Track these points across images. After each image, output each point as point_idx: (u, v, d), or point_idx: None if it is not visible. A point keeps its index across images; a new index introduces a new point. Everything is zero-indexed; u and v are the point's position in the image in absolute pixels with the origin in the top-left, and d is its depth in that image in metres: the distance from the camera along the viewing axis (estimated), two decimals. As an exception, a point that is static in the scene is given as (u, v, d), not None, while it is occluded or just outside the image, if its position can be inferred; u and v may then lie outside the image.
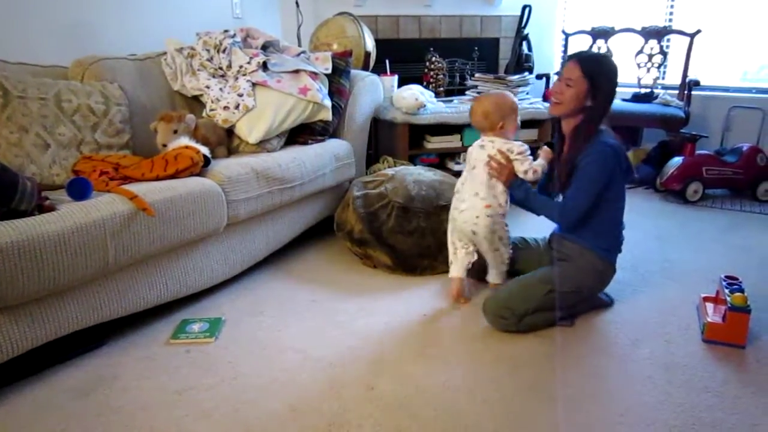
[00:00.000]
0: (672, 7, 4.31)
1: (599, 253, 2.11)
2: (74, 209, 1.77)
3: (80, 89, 2.28)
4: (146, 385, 1.77)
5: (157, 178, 2.09)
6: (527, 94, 3.75)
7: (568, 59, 2.08)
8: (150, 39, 2.91)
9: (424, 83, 3.80)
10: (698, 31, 3.94)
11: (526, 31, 4.25)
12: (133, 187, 1.95)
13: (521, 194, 2.18)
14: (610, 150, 2.00)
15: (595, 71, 2.00)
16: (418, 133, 3.50)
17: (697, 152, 3.65)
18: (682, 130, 3.78)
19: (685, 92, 3.93)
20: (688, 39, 3.97)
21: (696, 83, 3.92)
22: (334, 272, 2.60)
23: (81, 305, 1.82)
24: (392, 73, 3.71)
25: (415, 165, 3.13)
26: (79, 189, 1.88)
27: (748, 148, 3.65)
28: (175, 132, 2.35)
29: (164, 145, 2.32)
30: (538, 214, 2.23)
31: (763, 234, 3.03)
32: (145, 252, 1.93)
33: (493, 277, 2.32)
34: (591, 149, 2.01)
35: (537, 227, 2.48)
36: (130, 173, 2.11)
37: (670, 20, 4.32)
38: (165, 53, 2.75)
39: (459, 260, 2.27)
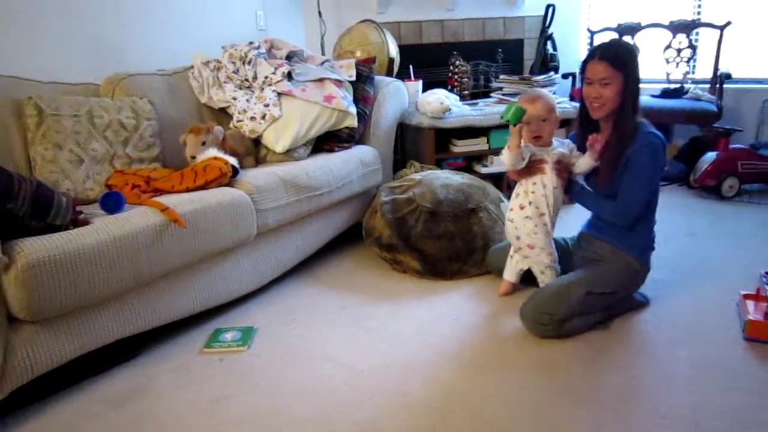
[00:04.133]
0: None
1: (633, 253, 2.08)
2: (108, 222, 1.81)
3: (111, 105, 2.33)
4: (181, 395, 1.79)
5: (187, 190, 2.13)
6: (554, 93, 3.70)
7: (588, 60, 2.03)
8: (176, 54, 2.96)
9: (449, 87, 3.79)
10: (728, 23, 3.85)
11: (550, 31, 4.21)
12: (164, 200, 1.99)
13: (577, 191, 2.16)
14: (660, 141, 1.98)
15: (621, 57, 1.97)
16: (444, 137, 3.48)
17: (732, 146, 3.56)
18: (714, 125, 3.69)
19: (717, 86, 3.84)
20: (717, 31, 3.88)
21: (728, 76, 3.82)
22: (363, 278, 2.60)
23: (116, 317, 1.86)
24: (416, 78, 3.71)
25: (442, 169, 3.12)
26: (112, 202, 1.92)
27: (785, 140, 3.54)
28: (204, 144, 2.39)
29: (193, 157, 2.35)
30: (591, 210, 2.19)
31: (804, 228, 2.93)
32: (177, 263, 1.96)
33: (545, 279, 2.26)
34: (641, 141, 1.97)
35: (563, 226, 2.44)
36: (160, 185, 2.14)
37: (699, 13, 4.23)
38: (192, 67, 2.80)
39: (512, 264, 2.30)
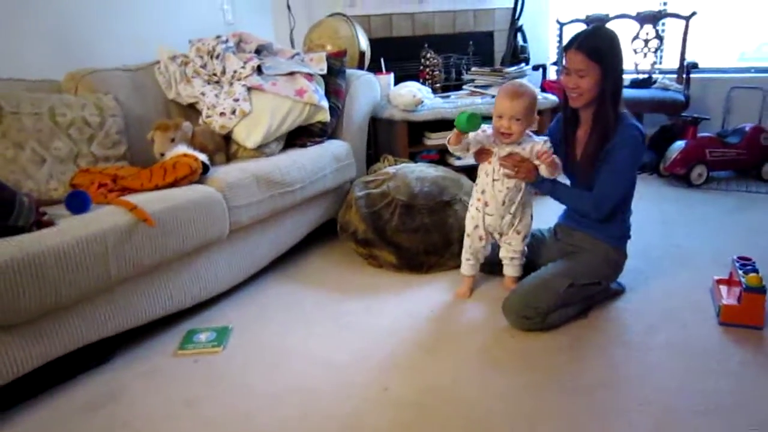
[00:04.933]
0: (666, -10, 4.27)
1: (611, 243, 2.09)
2: (73, 223, 1.74)
3: (74, 102, 2.25)
4: (154, 398, 1.74)
5: (156, 188, 2.07)
6: (525, 85, 3.71)
7: (566, 49, 1.99)
8: (141, 48, 2.87)
9: (420, 80, 3.77)
10: (693, 14, 3.90)
11: (520, 23, 4.22)
12: (133, 198, 1.93)
13: (548, 185, 2.11)
14: (640, 135, 1.96)
15: (599, 50, 1.91)
16: (417, 131, 3.46)
17: (699, 135, 3.61)
18: (682, 114, 3.74)
19: (684, 75, 3.89)
20: (683, 22, 3.94)
21: (694, 66, 3.88)
22: (339, 274, 2.57)
23: (85, 320, 1.79)
24: (388, 71, 3.69)
25: (416, 162, 3.10)
26: (77, 202, 1.85)
27: (751, 128, 3.61)
28: (172, 140, 2.33)
29: (162, 154, 2.29)
30: (567, 204, 2.18)
31: (771, 214, 2.99)
32: (147, 263, 1.90)
33: (510, 270, 2.27)
34: (622, 135, 1.95)
35: (540, 216, 2.45)
36: (128, 184, 2.08)
37: (665, 4, 4.28)
38: (158, 62, 2.72)
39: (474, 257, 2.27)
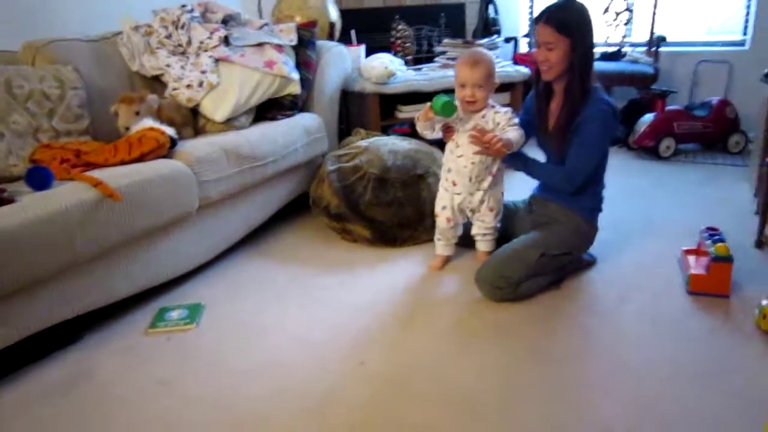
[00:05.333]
0: (636, -38, 4.27)
1: (583, 214, 2.10)
2: (35, 200, 1.68)
3: (32, 74, 2.15)
4: (127, 378, 1.70)
5: (122, 163, 2.00)
6: (497, 57, 3.69)
7: (536, 22, 2.00)
8: (104, 20, 2.75)
9: (392, 52, 3.71)
10: (663, -14, 3.92)
11: (491, -6, 4.18)
12: (97, 174, 1.86)
13: (520, 162, 2.12)
14: (610, 109, 1.97)
15: (568, 23, 1.92)
16: (389, 103, 3.42)
17: (668, 108, 3.66)
18: (651, 87, 3.78)
19: (653, 49, 3.92)
20: (653, -5, 3.95)
21: (663, 39, 3.91)
22: (312, 249, 2.54)
23: (51, 300, 1.74)
24: (358, 43, 3.62)
25: (388, 136, 3.06)
26: (38, 178, 1.78)
27: (718, 101, 3.67)
28: (138, 114, 2.25)
29: (127, 128, 2.21)
30: (539, 179, 2.19)
31: (737, 185, 3.05)
32: (114, 240, 1.84)
33: (483, 246, 2.28)
34: (592, 109, 1.96)
35: (514, 190, 2.45)
36: (92, 159, 2.01)
37: (635, -24, 4.29)
38: (121, 33, 2.62)
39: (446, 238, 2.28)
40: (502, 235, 2.28)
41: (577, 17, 1.94)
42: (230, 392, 1.61)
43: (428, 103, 2.08)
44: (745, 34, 4.02)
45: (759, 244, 2.32)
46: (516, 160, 2.12)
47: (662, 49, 3.94)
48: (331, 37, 3.45)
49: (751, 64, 3.77)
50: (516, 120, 2.12)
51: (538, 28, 1.98)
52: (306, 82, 2.81)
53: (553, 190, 2.17)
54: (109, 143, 2.11)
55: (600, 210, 2.16)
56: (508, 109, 2.14)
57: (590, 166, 2.02)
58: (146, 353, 1.82)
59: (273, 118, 2.69)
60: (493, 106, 2.14)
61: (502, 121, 2.10)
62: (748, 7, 3.96)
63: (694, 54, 4.11)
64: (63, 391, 1.65)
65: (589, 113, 1.96)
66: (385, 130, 3.33)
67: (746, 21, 4.00)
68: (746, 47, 3.98)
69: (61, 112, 2.19)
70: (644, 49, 4.02)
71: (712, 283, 1.96)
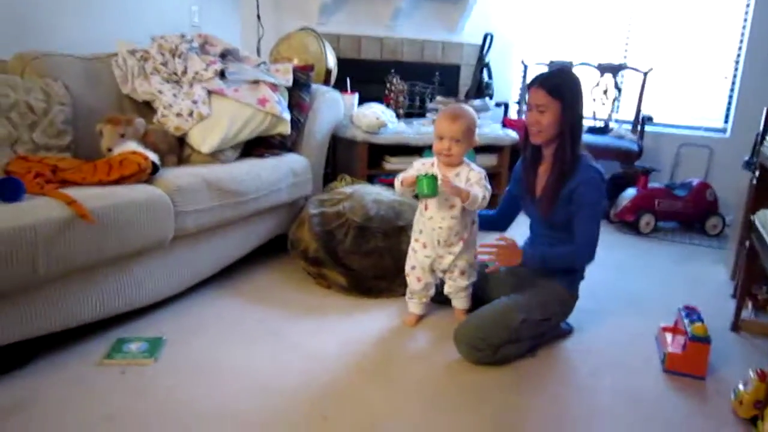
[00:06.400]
0: (627, 45, 4.43)
1: (562, 283, 2.08)
2: (2, 211, 1.60)
3: (19, 84, 2.11)
4: (71, 410, 1.59)
5: (100, 183, 1.94)
6: (487, 119, 3.75)
7: (530, 85, 2.03)
8: (102, 42, 2.73)
9: (385, 104, 3.75)
10: (651, 69, 4.05)
11: (487, 59, 4.28)
12: (72, 192, 1.79)
13: (537, 258, 2.04)
14: (600, 176, 2.00)
15: (560, 87, 1.96)
16: (377, 153, 3.43)
17: (650, 185, 3.71)
18: (635, 163, 3.85)
19: (639, 127, 4.02)
20: (641, 76, 4.08)
21: (649, 119, 4.01)
22: (285, 292, 2.47)
23: (5, 318, 1.64)
24: (353, 91, 3.65)
25: (373, 185, 3.05)
26: (9, 189, 1.71)
27: (698, 183, 3.74)
28: (123, 136, 2.20)
29: (109, 150, 2.16)
30: (561, 267, 2.08)
31: (713, 267, 3.07)
32: (81, 263, 1.76)
33: (458, 303, 2.24)
34: (584, 175, 1.98)
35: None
36: (69, 177, 1.94)
37: (626, 57, 4.43)
38: (116, 54, 2.60)
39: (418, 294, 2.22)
40: (480, 297, 2.23)
41: (569, 83, 2.00)
42: (182, 435, 1.51)
43: (419, 164, 2.11)
44: (726, 122, 4.15)
45: (735, 327, 2.31)
46: (533, 258, 2.04)
47: (647, 128, 4.04)
48: (326, 82, 3.48)
49: (731, 150, 3.87)
50: (486, 182, 2.10)
51: (531, 92, 2.01)
52: (297, 123, 2.80)
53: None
54: (88, 162, 2.05)
55: (582, 278, 2.14)
56: (481, 170, 2.13)
57: (597, 232, 2.01)
58: (96, 385, 1.71)
59: (260, 155, 2.66)
60: (468, 165, 2.13)
61: (473, 179, 2.08)
62: (731, 97, 4.11)
63: (678, 136, 4.23)
64: (1, 417, 1.53)
65: (582, 179, 1.97)
66: (371, 179, 3.32)
67: (728, 110, 4.14)
68: (727, 135, 4.10)
69: (44, 126, 2.13)
70: (630, 126, 4.12)
71: (689, 363, 1.93)
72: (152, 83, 2.55)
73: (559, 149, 2.01)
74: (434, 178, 1.96)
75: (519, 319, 1.94)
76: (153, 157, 2.12)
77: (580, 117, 2.04)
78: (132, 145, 2.13)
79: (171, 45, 2.64)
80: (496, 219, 2.37)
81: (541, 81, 2.00)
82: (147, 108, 2.59)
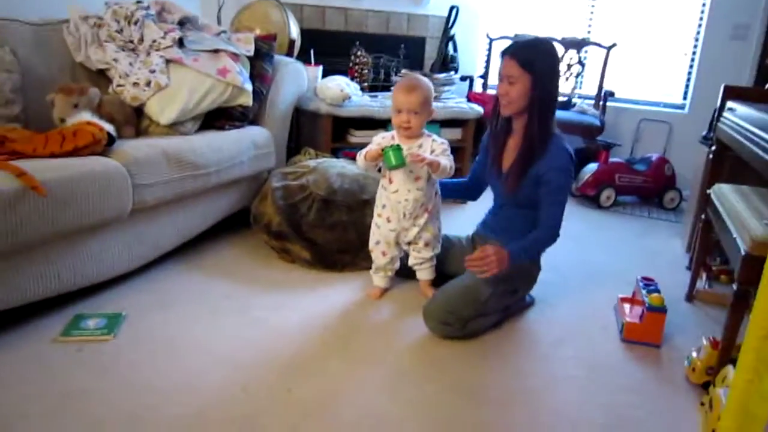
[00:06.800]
0: (591, 20, 4.46)
1: None
2: (-54, 184, 1.53)
3: (-38, 51, 2.00)
4: (27, 390, 1.54)
5: (52, 155, 1.86)
6: (452, 93, 3.74)
7: (502, 54, 1.97)
8: (52, 7, 2.59)
9: (349, 77, 3.70)
10: (614, 45, 4.09)
11: (452, 32, 4.24)
12: (22, 164, 1.72)
13: (522, 254, 1.98)
14: (570, 159, 1.98)
15: (531, 60, 1.90)
16: (341, 126, 3.39)
17: (611, 160, 3.78)
18: (597, 138, 3.90)
19: (601, 102, 4.06)
20: (604, 51, 4.11)
21: (611, 94, 4.06)
22: (249, 267, 2.44)
23: (-49, 296, 1.57)
24: (316, 63, 3.59)
25: (337, 158, 3.02)
26: (-47, 161, 1.63)
27: (657, 158, 3.82)
28: (76, 106, 2.12)
29: (62, 120, 2.08)
30: (539, 252, 2.11)
31: (670, 240, 3.16)
32: (33, 237, 1.69)
33: (423, 275, 2.25)
34: (554, 161, 1.95)
35: (460, 225, 2.44)
36: (19, 148, 1.86)
37: (589, 32, 4.46)
38: (68, 21, 2.48)
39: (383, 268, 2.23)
40: (440, 270, 2.25)
41: (542, 56, 1.94)
42: (142, 413, 1.48)
43: (379, 138, 2.08)
44: (685, 98, 4.23)
45: (689, 297, 2.39)
46: (518, 257, 1.95)
47: (609, 103, 4.09)
48: (289, 54, 3.41)
49: (690, 126, 3.96)
50: (449, 152, 2.09)
51: (503, 61, 1.95)
52: (259, 95, 2.73)
53: (494, 228, 2.18)
54: (40, 133, 1.97)
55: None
56: (444, 140, 2.12)
57: (562, 214, 2.00)
58: (52, 364, 1.66)
59: (221, 128, 2.60)
60: (430, 135, 2.11)
61: (437, 149, 2.07)
62: (690, 73, 4.18)
63: (638, 111, 4.30)
64: (-48, 399, 1.49)
65: (553, 165, 1.95)
66: (335, 153, 3.28)
67: (687, 86, 4.22)
68: (686, 111, 4.19)
69: (-10, 96, 2.03)
70: (592, 101, 4.16)
71: (646, 332, 1.99)
72: (107, 51, 2.45)
73: (529, 123, 1.97)
74: (400, 148, 1.94)
75: (487, 293, 1.95)
76: (108, 128, 2.04)
77: (552, 93, 1.98)
78: (86, 116, 2.05)
79: (126, 11, 2.53)
80: (469, 187, 2.36)
81: (513, 51, 1.93)
82: (102, 77, 2.50)
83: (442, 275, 2.23)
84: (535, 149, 1.97)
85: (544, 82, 1.93)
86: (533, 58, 1.91)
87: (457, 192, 2.43)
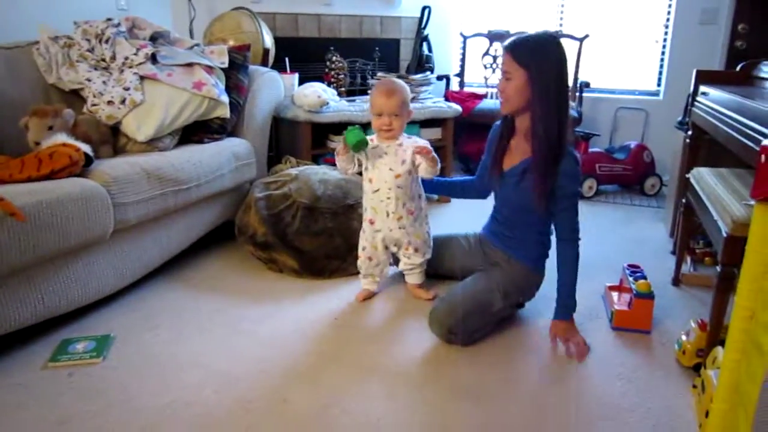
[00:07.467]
0: (562, 12, 4.50)
1: (527, 263, 2.05)
2: None
3: (-70, 79, 1.97)
4: (21, 417, 1.52)
5: (29, 179, 1.84)
6: (429, 93, 3.75)
7: (503, 50, 1.86)
8: (22, 29, 2.57)
9: (325, 83, 3.69)
10: (586, 36, 4.13)
11: (425, 32, 4.26)
12: (0, 190, 1.70)
13: (573, 300, 1.95)
14: (577, 162, 1.89)
15: (525, 55, 1.79)
16: (321, 133, 3.38)
17: (590, 150, 3.81)
18: (576, 129, 3.93)
19: (577, 93, 4.10)
20: (577, 43, 4.15)
21: (587, 85, 4.09)
22: (236, 279, 2.42)
23: (-66, 329, 1.55)
24: (292, 71, 3.58)
25: (319, 165, 3.01)
26: (-72, 192, 1.60)
27: (636, 145, 3.86)
28: (51, 128, 2.09)
29: (37, 143, 2.05)
30: (575, 273, 2.00)
31: (654, 226, 3.19)
32: (14, 264, 1.67)
33: (412, 279, 2.25)
34: (564, 166, 1.84)
35: (446, 223, 2.44)
36: (-6, 174, 1.84)
37: (561, 25, 4.50)
38: (37, 42, 2.45)
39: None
40: (433, 265, 2.27)
41: (541, 52, 1.80)
42: (138, 433, 1.47)
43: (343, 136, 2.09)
44: (659, 85, 4.28)
45: (675, 281, 2.41)
46: (573, 304, 1.96)
47: (585, 94, 4.13)
48: (264, 63, 3.40)
49: (665, 112, 4.01)
50: (433, 152, 2.06)
51: (503, 56, 1.87)
52: (236, 106, 2.72)
53: (497, 235, 2.13)
54: (16, 158, 1.94)
55: (547, 256, 2.10)
56: (427, 141, 2.12)
57: (578, 215, 1.95)
58: (43, 390, 1.64)
59: (200, 141, 2.59)
60: (410, 137, 2.14)
61: (419, 145, 2.08)
62: (662, 60, 4.23)
63: (615, 100, 4.34)
64: (-59, 433, 1.46)
65: (566, 170, 1.85)
66: (316, 159, 3.28)
67: (660, 73, 4.27)
68: (660, 97, 4.24)
69: (-38, 123, 2.00)
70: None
71: (635, 319, 2.01)
72: (79, 71, 2.43)
73: (532, 124, 1.83)
74: (359, 127, 1.99)
75: (499, 305, 1.95)
76: (85, 148, 2.02)
77: (554, 91, 1.79)
78: (61, 137, 2.03)
79: (96, 30, 2.51)
80: (477, 187, 2.27)
81: (510, 45, 1.82)
82: (76, 97, 2.47)
83: (436, 275, 2.26)
84: (543, 149, 1.83)
85: (543, 79, 1.78)
86: (529, 53, 1.79)
87: (467, 192, 2.34)
